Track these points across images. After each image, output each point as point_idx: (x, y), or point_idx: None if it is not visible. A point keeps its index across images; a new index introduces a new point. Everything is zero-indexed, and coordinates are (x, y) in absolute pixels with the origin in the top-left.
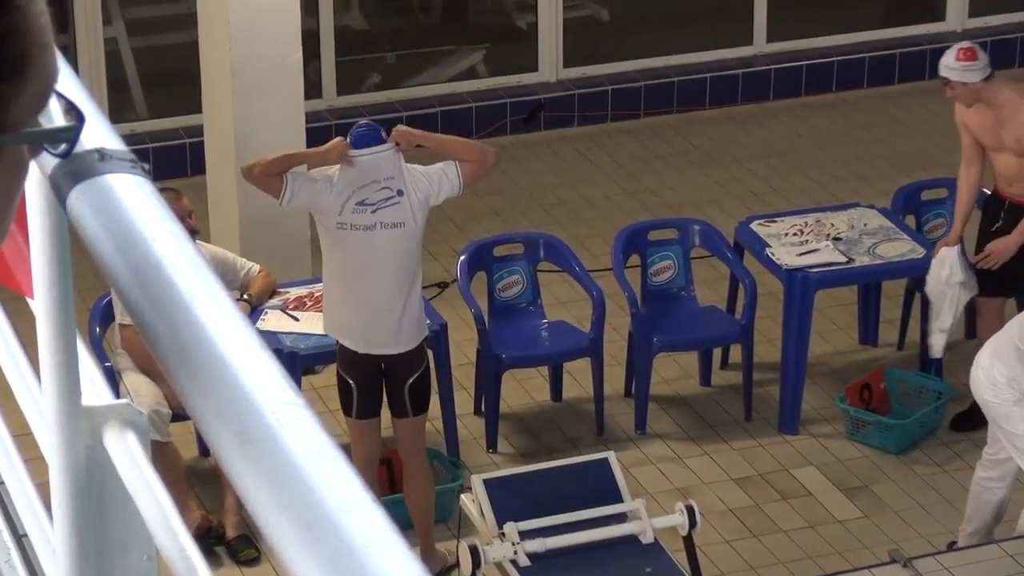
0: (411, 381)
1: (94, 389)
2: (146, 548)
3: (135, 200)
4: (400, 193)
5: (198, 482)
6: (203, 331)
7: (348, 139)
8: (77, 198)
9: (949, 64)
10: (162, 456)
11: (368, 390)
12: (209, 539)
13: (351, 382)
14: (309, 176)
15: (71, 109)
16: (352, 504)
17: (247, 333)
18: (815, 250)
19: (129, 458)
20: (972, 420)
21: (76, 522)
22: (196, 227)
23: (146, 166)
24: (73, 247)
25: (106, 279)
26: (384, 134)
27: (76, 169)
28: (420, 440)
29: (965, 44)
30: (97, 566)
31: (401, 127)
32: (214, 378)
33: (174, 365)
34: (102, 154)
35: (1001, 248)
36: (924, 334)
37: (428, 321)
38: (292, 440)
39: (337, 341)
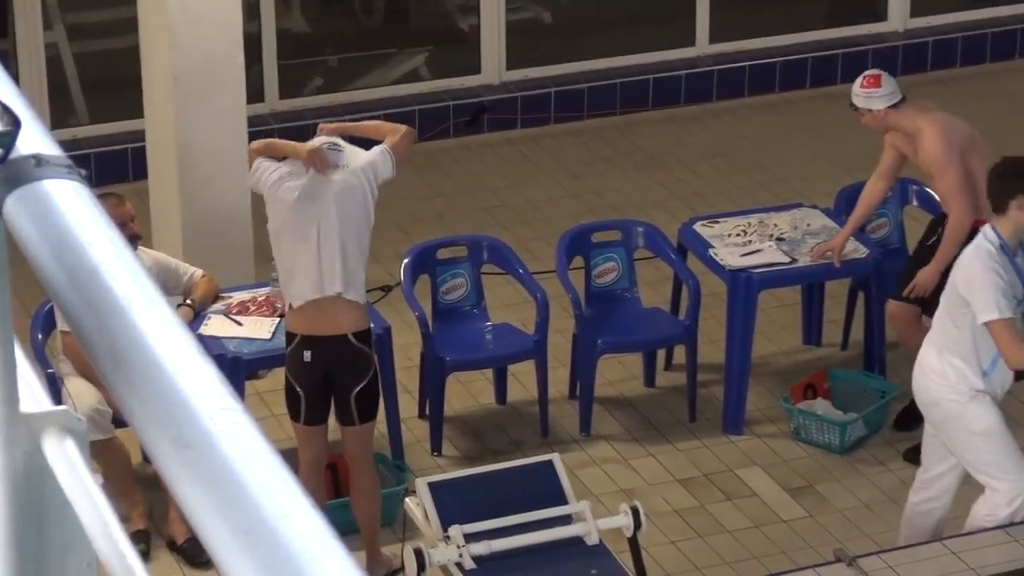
0: (358, 390)
1: (32, 395)
2: (86, 555)
3: (71, 206)
4: (340, 147)
5: (142, 488)
6: (140, 336)
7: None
8: (13, 204)
9: (855, 91)
10: (107, 452)
11: (316, 398)
12: (141, 543)
13: (299, 389)
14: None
15: (7, 114)
16: (290, 509)
17: (184, 338)
18: (758, 251)
19: (68, 464)
20: (916, 418)
21: (14, 529)
22: (138, 232)
23: (83, 172)
24: (11, 253)
25: (43, 285)
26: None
27: (12, 175)
28: (367, 447)
29: (872, 72)
30: (36, 574)
31: (327, 126)
32: (151, 383)
33: (110, 370)
34: (39, 160)
35: (926, 279)
36: (868, 335)
37: (372, 325)
38: (229, 445)
39: (287, 346)
